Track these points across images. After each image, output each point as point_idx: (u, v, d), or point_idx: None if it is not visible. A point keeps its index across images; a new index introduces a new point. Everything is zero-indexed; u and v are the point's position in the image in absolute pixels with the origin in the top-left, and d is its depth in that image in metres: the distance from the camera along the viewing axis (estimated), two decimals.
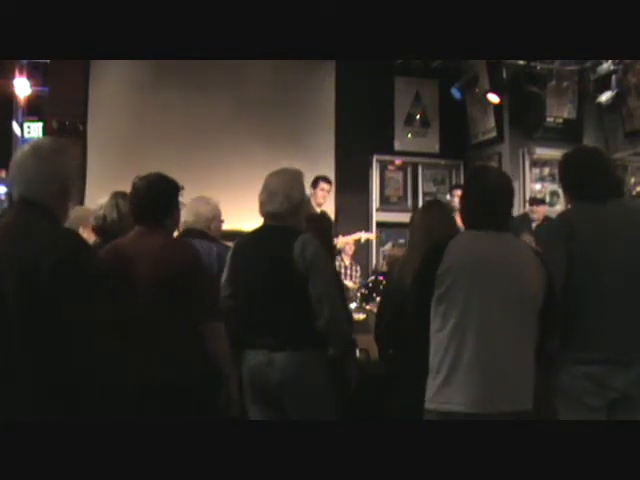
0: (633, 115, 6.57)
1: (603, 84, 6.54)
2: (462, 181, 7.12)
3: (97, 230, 3.28)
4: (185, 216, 3.64)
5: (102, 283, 2.13)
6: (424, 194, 7.75)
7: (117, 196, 3.27)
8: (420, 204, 7.14)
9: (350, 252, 6.54)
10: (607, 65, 6.41)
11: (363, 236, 6.54)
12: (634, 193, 6.94)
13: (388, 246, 7.49)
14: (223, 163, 6.97)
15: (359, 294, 5.20)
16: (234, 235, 3.46)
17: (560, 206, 6.73)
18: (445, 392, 2.29)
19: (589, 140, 6.97)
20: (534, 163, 7.26)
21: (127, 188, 2.91)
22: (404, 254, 3.20)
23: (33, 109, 6.95)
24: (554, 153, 6.52)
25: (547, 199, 6.98)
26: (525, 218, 6.34)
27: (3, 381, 1.91)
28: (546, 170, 7.26)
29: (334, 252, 3.97)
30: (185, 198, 4.22)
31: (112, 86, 6.89)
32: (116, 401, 2.04)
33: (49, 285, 1.90)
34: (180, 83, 6.89)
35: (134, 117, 6.91)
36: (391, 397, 2.99)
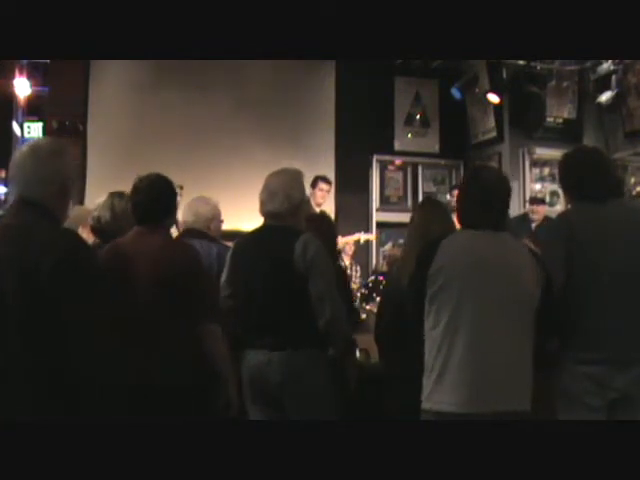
0: (633, 115, 6.57)
1: (603, 84, 6.54)
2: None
3: (93, 230, 3.29)
4: (185, 216, 3.64)
5: (101, 283, 2.12)
6: (424, 194, 7.74)
7: (113, 196, 3.27)
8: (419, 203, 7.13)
9: (350, 252, 6.53)
10: (607, 65, 6.41)
11: (362, 237, 6.53)
12: (634, 193, 6.94)
13: (388, 246, 7.49)
14: (223, 163, 6.97)
15: (359, 294, 5.20)
16: (234, 235, 3.46)
17: (560, 206, 6.73)
18: (438, 391, 2.30)
19: (589, 140, 6.97)
20: (534, 163, 7.26)
21: (127, 188, 2.91)
22: (402, 254, 3.20)
23: (33, 109, 6.95)
24: (554, 153, 6.52)
25: (547, 199, 6.98)
26: (525, 218, 6.34)
27: (2, 381, 1.91)
28: (546, 170, 7.25)
29: (337, 252, 3.96)
30: (185, 198, 4.23)
31: (112, 86, 6.89)
32: (115, 401, 2.04)
33: (48, 285, 1.90)
34: (180, 83, 6.89)
35: (134, 117, 6.91)
36: (391, 397, 2.99)
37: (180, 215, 3.68)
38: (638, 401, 2.47)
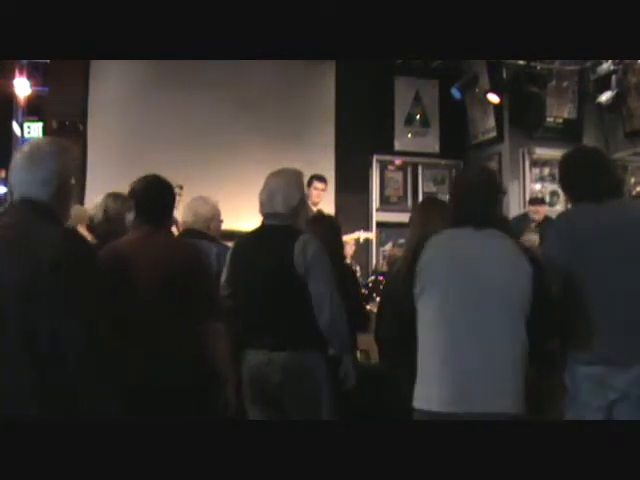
0: (633, 115, 6.57)
1: (603, 84, 6.54)
2: None
3: (88, 229, 3.29)
4: (184, 216, 3.64)
5: (102, 283, 2.12)
6: (424, 194, 7.74)
7: (108, 197, 3.28)
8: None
9: (350, 252, 6.52)
10: (607, 65, 6.42)
11: (362, 235, 6.50)
12: (634, 193, 6.95)
13: (388, 246, 7.49)
14: (223, 163, 6.97)
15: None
16: (234, 235, 3.47)
17: (560, 206, 6.73)
18: (422, 390, 2.33)
19: (589, 140, 6.97)
20: (534, 163, 7.26)
21: (127, 188, 2.92)
22: (402, 253, 3.21)
23: (33, 109, 6.95)
24: (554, 153, 6.52)
25: (547, 199, 6.98)
26: (525, 218, 6.34)
27: (2, 382, 1.91)
28: (546, 170, 7.25)
29: (343, 252, 3.94)
30: (185, 198, 4.24)
31: (112, 86, 6.88)
32: (118, 400, 2.03)
33: (48, 285, 1.90)
34: (180, 83, 6.88)
35: (134, 117, 6.91)
36: (391, 397, 2.99)
37: (180, 215, 3.69)
38: (638, 401, 2.47)
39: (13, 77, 6.68)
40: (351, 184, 7.49)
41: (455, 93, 7.15)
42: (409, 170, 7.92)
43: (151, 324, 2.55)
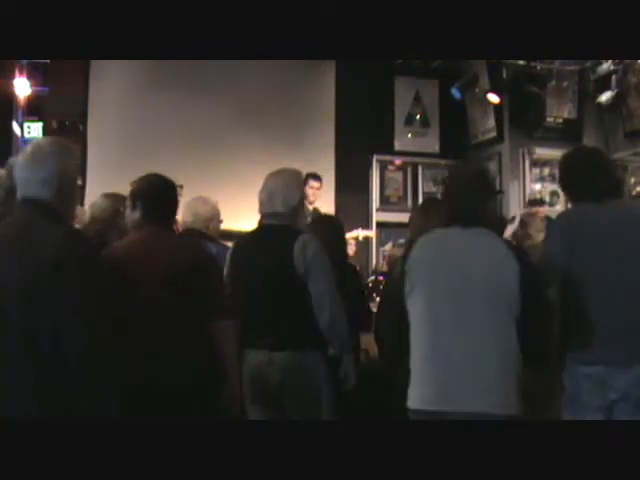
0: (633, 115, 6.57)
1: (603, 84, 6.54)
2: None
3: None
4: (184, 216, 3.64)
5: (104, 283, 2.12)
6: (424, 194, 7.73)
7: (100, 197, 3.29)
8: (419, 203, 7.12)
9: (351, 252, 6.51)
10: (607, 65, 6.41)
11: (361, 233, 6.47)
12: (634, 193, 6.94)
13: (388, 246, 7.48)
14: (223, 163, 6.96)
15: None
16: (233, 235, 3.46)
17: (560, 206, 6.72)
18: (411, 389, 2.36)
19: (589, 140, 6.97)
20: (534, 163, 7.25)
21: (127, 187, 2.91)
22: (401, 253, 3.21)
23: (33, 109, 6.93)
24: (554, 153, 6.52)
25: (547, 199, 6.98)
26: None
27: (3, 381, 1.91)
28: (546, 170, 7.25)
29: (346, 252, 3.93)
30: (184, 197, 4.23)
31: (112, 86, 6.88)
32: (119, 400, 2.03)
33: (50, 284, 1.90)
34: (180, 83, 6.88)
35: (134, 117, 6.90)
36: (391, 397, 2.99)
37: (179, 215, 3.68)
38: (638, 401, 2.47)
39: (13, 77, 6.67)
40: (351, 184, 7.49)
41: (455, 93, 7.15)
42: (409, 170, 7.91)
43: (156, 324, 2.52)
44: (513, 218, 5.06)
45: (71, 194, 2.17)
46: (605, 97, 6.41)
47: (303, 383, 2.84)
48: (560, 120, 7.09)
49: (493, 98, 6.94)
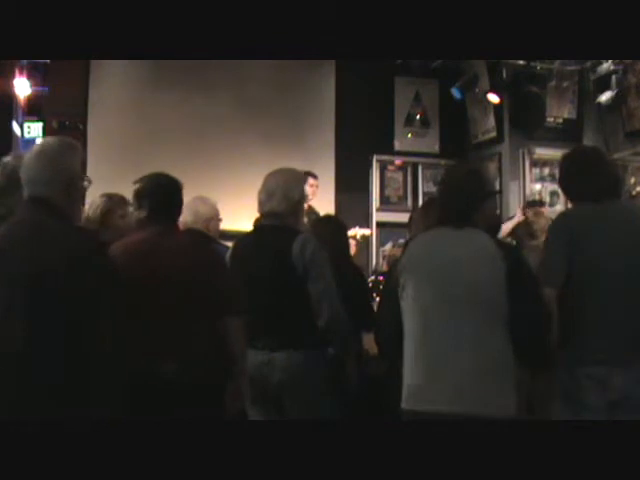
0: (633, 115, 6.56)
1: (603, 84, 6.53)
2: None
3: None
4: (184, 216, 3.63)
5: (117, 282, 2.11)
6: (424, 194, 7.73)
7: (96, 197, 3.29)
8: (420, 204, 7.12)
9: (353, 252, 6.48)
10: (607, 65, 6.41)
11: (359, 232, 6.44)
12: (634, 193, 6.94)
13: (388, 246, 7.47)
14: (223, 162, 6.96)
15: None
16: (234, 235, 3.46)
17: (560, 206, 6.72)
18: (403, 389, 2.38)
19: (589, 140, 6.97)
20: (534, 163, 7.25)
21: (127, 187, 2.90)
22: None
23: (33, 109, 6.92)
24: (554, 153, 6.51)
25: (547, 199, 6.97)
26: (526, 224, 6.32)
27: (10, 380, 1.91)
28: (546, 170, 7.24)
29: (349, 252, 3.92)
30: (184, 197, 4.22)
31: (112, 86, 6.88)
32: (128, 398, 2.02)
33: (58, 283, 1.90)
34: (180, 83, 6.88)
35: (134, 117, 6.90)
36: (391, 397, 2.99)
37: None
38: (638, 401, 2.47)
39: (13, 77, 6.66)
40: (351, 184, 7.49)
41: (455, 93, 7.14)
42: (409, 170, 7.91)
43: (166, 323, 2.51)
44: (512, 217, 5.06)
45: (77, 193, 2.17)
46: (605, 97, 6.41)
47: (303, 383, 2.84)
48: (560, 120, 7.09)
49: (493, 98, 6.94)
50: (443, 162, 7.88)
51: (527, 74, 6.68)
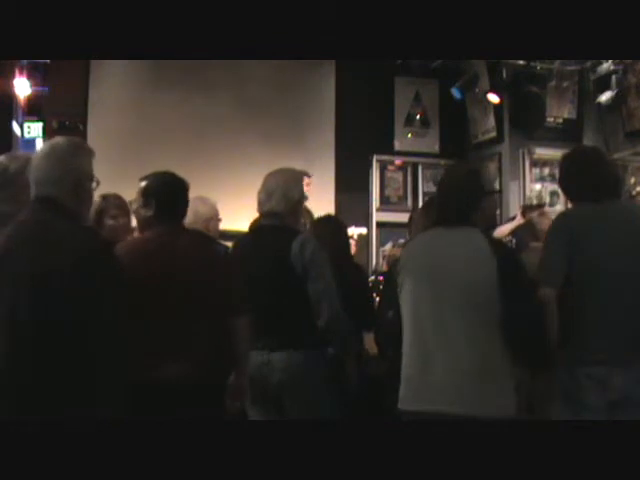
0: (633, 115, 6.56)
1: (603, 84, 6.53)
2: None
3: None
4: None
5: (120, 280, 2.11)
6: (424, 194, 7.73)
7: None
8: (420, 204, 7.12)
9: (353, 252, 6.47)
10: (607, 65, 6.40)
11: (355, 231, 6.43)
12: (634, 193, 6.93)
13: (388, 246, 7.47)
14: (223, 163, 6.96)
15: None
16: (234, 235, 3.46)
17: (560, 206, 6.72)
18: (400, 390, 2.39)
19: (589, 140, 6.96)
20: (534, 163, 7.25)
21: (127, 187, 2.90)
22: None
23: (33, 109, 6.92)
24: (554, 153, 6.51)
25: (547, 199, 6.97)
26: (528, 227, 6.31)
27: (14, 381, 1.91)
28: (546, 170, 7.24)
29: (349, 252, 3.92)
30: None
31: (112, 86, 6.88)
32: (132, 399, 2.02)
33: (64, 282, 1.91)
34: (180, 83, 6.88)
35: (134, 117, 6.90)
36: (391, 397, 2.99)
37: None
38: (638, 401, 2.47)
39: (13, 77, 6.66)
40: (351, 184, 7.48)
41: (455, 93, 7.14)
42: (409, 170, 7.91)
43: (172, 322, 2.50)
44: (514, 217, 5.05)
45: (85, 192, 2.18)
46: (605, 97, 6.41)
47: (303, 383, 2.84)
48: (560, 120, 7.09)
49: (493, 98, 6.94)
50: (443, 162, 7.87)
51: (527, 74, 6.68)
